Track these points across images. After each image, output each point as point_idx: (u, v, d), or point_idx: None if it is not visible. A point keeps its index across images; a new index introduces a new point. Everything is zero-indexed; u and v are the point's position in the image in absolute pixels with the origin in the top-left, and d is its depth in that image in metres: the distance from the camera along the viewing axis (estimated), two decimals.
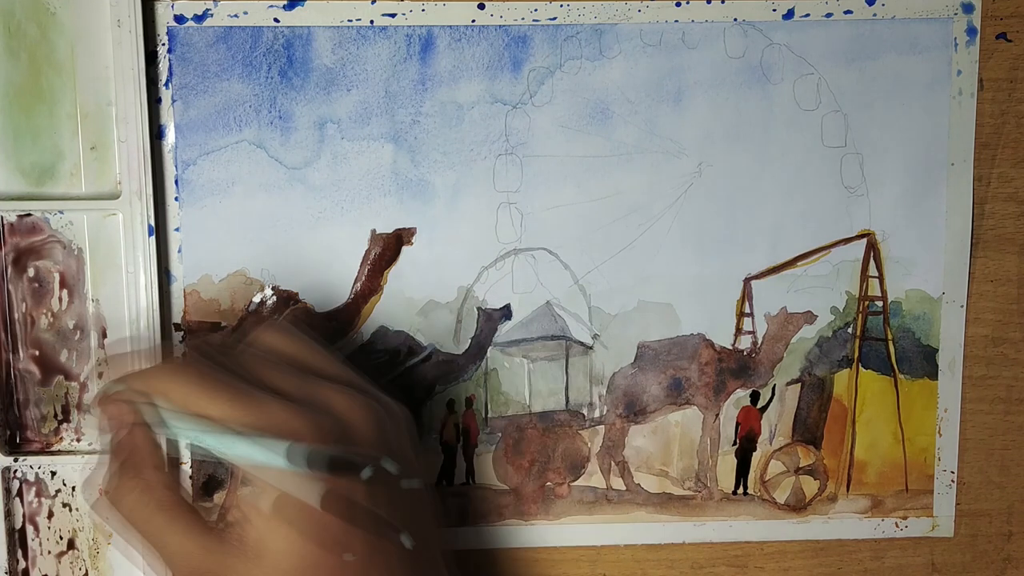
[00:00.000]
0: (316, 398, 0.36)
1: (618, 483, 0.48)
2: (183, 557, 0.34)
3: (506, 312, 0.47)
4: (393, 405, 0.38)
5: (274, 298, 0.46)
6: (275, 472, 0.33)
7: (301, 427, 0.34)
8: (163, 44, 0.44)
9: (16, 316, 0.45)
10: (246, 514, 0.34)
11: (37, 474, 0.46)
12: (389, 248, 0.46)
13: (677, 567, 0.49)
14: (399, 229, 0.46)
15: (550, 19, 0.45)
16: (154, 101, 0.45)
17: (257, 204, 0.46)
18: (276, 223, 0.46)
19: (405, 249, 0.46)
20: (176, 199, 0.45)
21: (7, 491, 0.45)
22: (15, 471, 0.46)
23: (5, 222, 0.45)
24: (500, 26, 0.45)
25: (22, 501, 0.46)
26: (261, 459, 0.33)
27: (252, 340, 0.38)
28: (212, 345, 0.37)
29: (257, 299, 0.46)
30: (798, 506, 0.49)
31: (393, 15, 0.45)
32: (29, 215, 0.45)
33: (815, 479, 0.49)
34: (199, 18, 0.45)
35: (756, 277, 0.48)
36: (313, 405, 0.35)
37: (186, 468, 0.46)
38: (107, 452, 0.36)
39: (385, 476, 0.35)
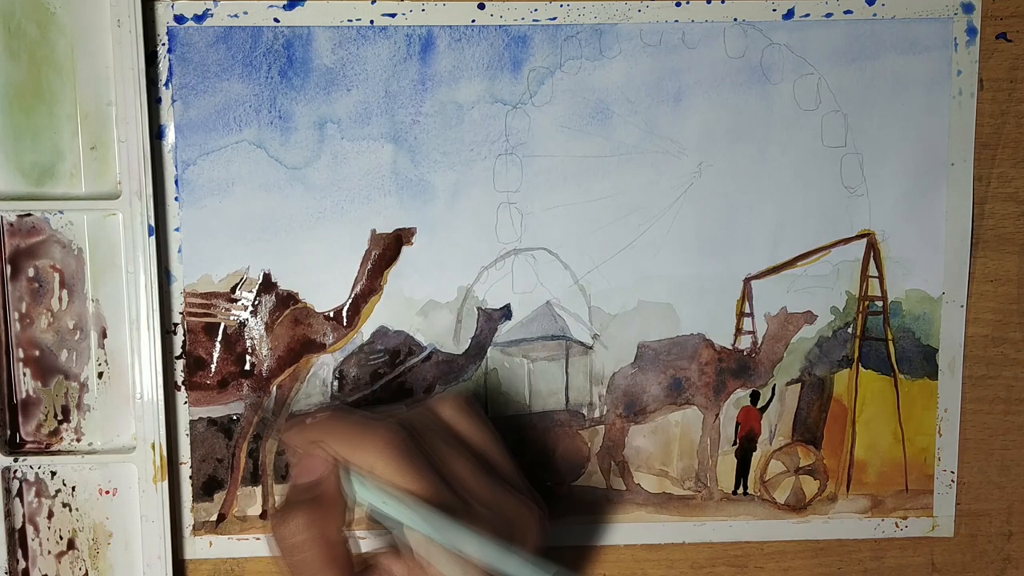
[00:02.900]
0: (494, 499, 0.38)
1: (618, 483, 0.48)
2: None
3: (506, 312, 0.47)
4: (537, 503, 0.40)
5: (273, 298, 0.46)
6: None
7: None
8: (163, 44, 0.44)
9: (16, 316, 0.45)
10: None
11: (37, 474, 0.46)
12: (389, 248, 0.46)
13: (677, 567, 0.49)
14: (399, 229, 0.46)
15: (550, 19, 0.45)
16: (154, 101, 0.45)
17: (257, 204, 0.46)
18: (276, 223, 0.46)
19: (405, 249, 0.46)
20: (176, 199, 0.45)
21: (7, 491, 0.45)
22: (15, 471, 0.46)
23: (5, 222, 0.45)
24: (500, 26, 0.45)
25: (22, 501, 0.46)
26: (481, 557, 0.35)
27: (431, 411, 0.39)
28: (414, 425, 0.38)
29: (253, 297, 0.46)
30: (798, 506, 0.49)
31: (393, 15, 0.45)
32: (29, 215, 0.45)
33: (815, 479, 0.49)
34: (199, 18, 0.45)
35: (756, 277, 0.48)
36: (491, 506, 0.37)
37: (186, 468, 0.46)
38: (292, 483, 0.38)
39: None
